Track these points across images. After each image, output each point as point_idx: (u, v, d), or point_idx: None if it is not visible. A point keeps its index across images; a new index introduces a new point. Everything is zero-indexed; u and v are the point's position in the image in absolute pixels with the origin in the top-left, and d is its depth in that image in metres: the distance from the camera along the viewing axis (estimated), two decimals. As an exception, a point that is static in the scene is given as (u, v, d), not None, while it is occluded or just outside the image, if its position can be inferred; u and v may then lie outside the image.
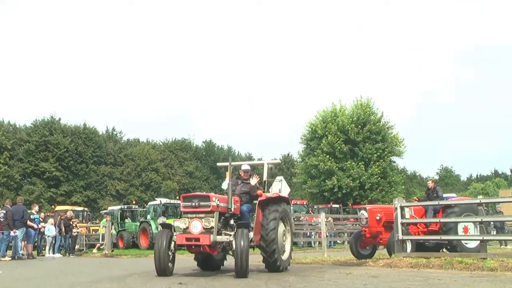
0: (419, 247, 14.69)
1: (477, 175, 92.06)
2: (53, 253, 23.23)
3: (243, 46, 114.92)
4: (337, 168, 44.16)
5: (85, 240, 28.05)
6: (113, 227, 27.78)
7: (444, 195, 15.67)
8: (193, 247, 10.03)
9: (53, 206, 39.87)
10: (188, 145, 70.21)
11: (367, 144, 44.39)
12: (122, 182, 61.21)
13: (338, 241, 26.87)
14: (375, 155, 44.10)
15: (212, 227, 9.75)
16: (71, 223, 24.49)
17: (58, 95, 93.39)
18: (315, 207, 38.44)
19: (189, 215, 10.01)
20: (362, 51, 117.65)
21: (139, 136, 71.75)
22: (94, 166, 58.69)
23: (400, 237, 12.63)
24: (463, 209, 14.29)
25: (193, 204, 9.95)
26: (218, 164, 15.11)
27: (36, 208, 23.22)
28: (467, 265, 10.58)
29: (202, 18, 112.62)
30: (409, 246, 13.23)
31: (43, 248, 24.28)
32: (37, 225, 21.96)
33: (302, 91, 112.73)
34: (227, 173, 11.37)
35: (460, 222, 13.77)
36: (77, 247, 25.90)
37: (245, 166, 11.77)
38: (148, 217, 29.44)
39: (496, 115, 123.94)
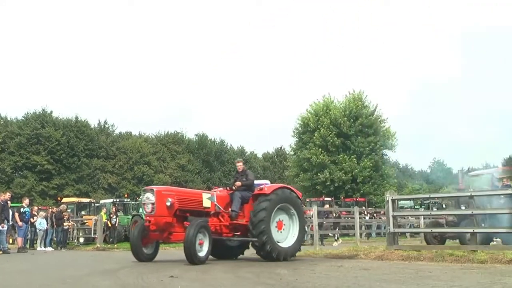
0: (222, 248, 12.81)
1: (468, 168, 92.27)
2: (45, 246, 23.19)
3: (234, 40, 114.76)
4: (329, 162, 44.27)
5: (77, 234, 28.04)
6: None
7: (257, 182, 13.49)
8: None
9: (59, 198, 39.53)
10: (181, 138, 70.05)
11: (359, 137, 44.52)
12: (114, 175, 61.06)
13: (330, 234, 26.91)
14: (367, 148, 44.25)
15: None
16: (62, 216, 24.43)
17: (50, 87, 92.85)
18: (307, 200, 38.51)
19: None
20: (352, 43, 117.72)
21: (131, 129, 71.40)
22: (86, 159, 58.52)
23: (392, 230, 12.69)
24: (280, 198, 12.48)
25: None
26: None
27: (26, 201, 23.12)
28: (458, 258, 10.65)
29: (193, 11, 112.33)
30: (204, 249, 11.12)
31: (35, 242, 24.20)
32: (27, 219, 21.88)
33: (294, 84, 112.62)
34: None
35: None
36: (81, 240, 26.11)
37: None
38: (140, 210, 29.30)
39: (487, 107, 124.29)
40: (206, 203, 12.06)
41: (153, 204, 11.32)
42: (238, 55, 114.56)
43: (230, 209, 12.46)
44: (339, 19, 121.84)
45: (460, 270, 8.97)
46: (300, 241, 13.08)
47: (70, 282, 8.14)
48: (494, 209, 12.82)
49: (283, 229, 12.75)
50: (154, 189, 11.59)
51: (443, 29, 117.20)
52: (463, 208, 13.82)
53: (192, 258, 10.69)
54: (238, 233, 12.56)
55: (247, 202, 12.65)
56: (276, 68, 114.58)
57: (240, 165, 13.51)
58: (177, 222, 11.64)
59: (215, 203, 12.14)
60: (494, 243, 13.83)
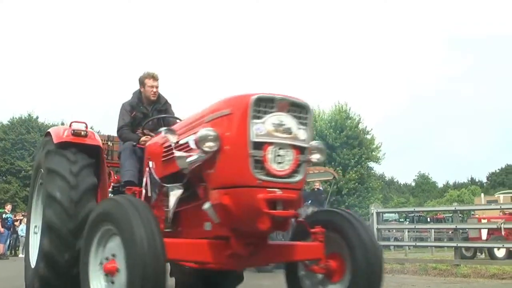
0: None
1: (454, 182, 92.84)
2: (27, 253, 22.91)
3: (224, 47, 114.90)
4: (315, 173, 44.33)
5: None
6: None
7: None
8: None
9: None
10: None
11: (344, 149, 44.64)
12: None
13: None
14: (352, 160, 44.36)
15: None
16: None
17: (36, 92, 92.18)
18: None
19: None
20: (339, 49, 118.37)
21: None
22: (71, 165, 58.12)
23: (376, 242, 12.70)
24: None
25: None
26: None
27: (9, 207, 22.88)
28: (441, 271, 10.70)
29: (189, 12, 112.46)
30: None
31: (17, 249, 23.93)
32: (9, 225, 21.63)
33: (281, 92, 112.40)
34: None
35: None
36: None
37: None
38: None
39: (473, 122, 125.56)
40: None
41: (302, 151, 4.01)
42: (228, 63, 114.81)
43: None
44: (327, 28, 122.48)
45: (443, 284, 9.00)
46: None
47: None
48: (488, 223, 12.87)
49: None
50: (309, 106, 4.22)
51: (434, 37, 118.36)
52: None
53: None
54: None
55: None
56: (269, 75, 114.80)
57: (156, 86, 6.36)
58: None
59: None
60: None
